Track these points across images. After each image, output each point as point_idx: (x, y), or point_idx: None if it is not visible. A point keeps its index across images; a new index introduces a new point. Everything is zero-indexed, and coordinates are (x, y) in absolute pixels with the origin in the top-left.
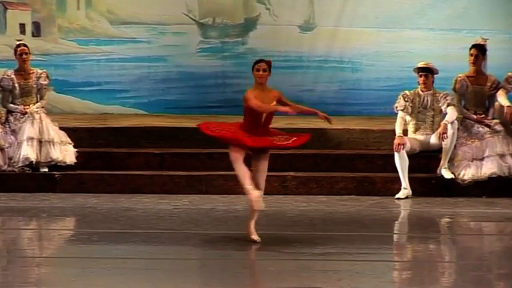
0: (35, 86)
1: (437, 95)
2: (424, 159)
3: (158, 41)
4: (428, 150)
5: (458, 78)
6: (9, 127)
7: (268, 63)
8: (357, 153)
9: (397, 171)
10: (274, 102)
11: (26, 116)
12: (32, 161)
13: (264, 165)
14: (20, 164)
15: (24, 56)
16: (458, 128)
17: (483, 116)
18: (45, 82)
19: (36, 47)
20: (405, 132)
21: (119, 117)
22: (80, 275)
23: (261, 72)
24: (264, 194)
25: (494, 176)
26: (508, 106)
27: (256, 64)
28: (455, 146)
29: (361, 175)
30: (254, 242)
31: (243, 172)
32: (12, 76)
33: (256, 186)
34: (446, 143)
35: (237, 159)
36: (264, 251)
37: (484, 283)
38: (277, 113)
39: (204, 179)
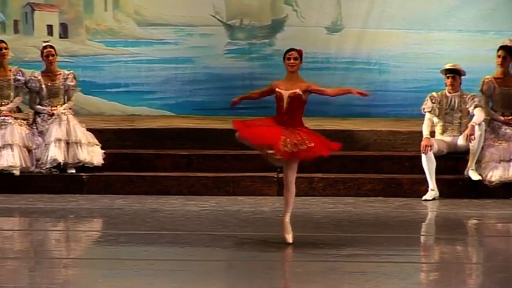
0: (62, 87)
1: (465, 96)
2: (452, 161)
3: (185, 42)
4: (455, 151)
5: (486, 80)
6: (37, 128)
7: (299, 52)
8: (384, 155)
9: (424, 173)
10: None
11: (53, 117)
12: (59, 163)
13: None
14: (48, 166)
15: (51, 57)
16: (485, 130)
17: (510, 117)
18: (73, 83)
19: (64, 48)
20: (432, 133)
21: (146, 119)
22: (107, 276)
23: (292, 61)
24: None
25: None
26: None
27: (287, 53)
28: (482, 148)
29: (388, 177)
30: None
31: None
32: (39, 77)
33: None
34: (473, 145)
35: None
36: (291, 252)
37: (511, 285)
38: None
39: (231, 181)
